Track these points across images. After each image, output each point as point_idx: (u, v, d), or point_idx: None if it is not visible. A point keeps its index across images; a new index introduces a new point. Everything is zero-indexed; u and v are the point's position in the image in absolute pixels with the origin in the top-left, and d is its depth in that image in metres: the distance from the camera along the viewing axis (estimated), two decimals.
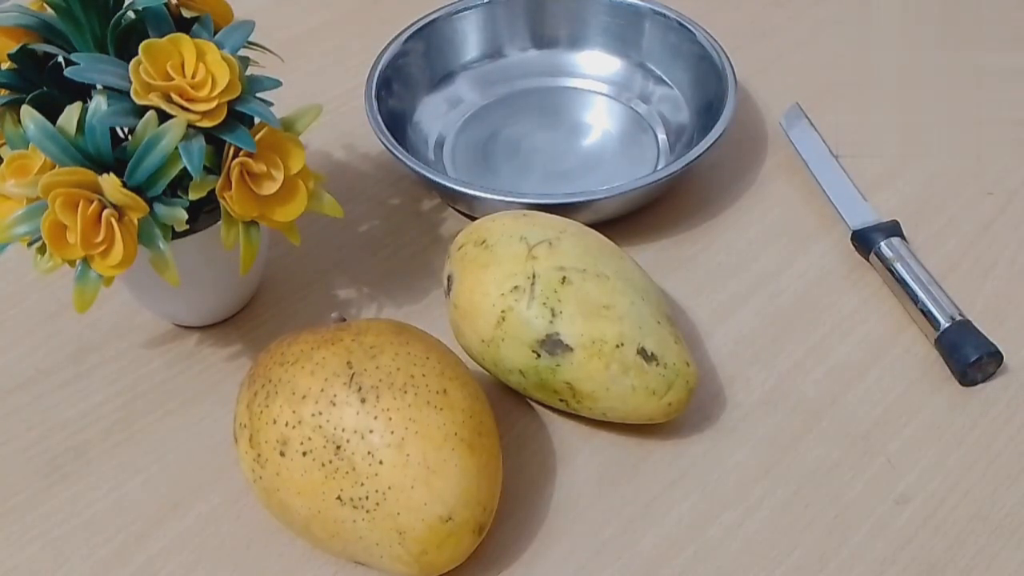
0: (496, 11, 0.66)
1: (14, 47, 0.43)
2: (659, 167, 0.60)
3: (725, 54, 0.60)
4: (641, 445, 0.47)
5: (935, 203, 0.57)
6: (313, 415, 0.39)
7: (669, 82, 0.64)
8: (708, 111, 0.58)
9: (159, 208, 0.42)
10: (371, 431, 0.39)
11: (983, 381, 0.48)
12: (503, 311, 0.44)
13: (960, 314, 0.49)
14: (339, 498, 0.39)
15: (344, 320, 0.44)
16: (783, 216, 0.57)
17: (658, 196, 0.57)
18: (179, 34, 0.42)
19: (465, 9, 0.65)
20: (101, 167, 0.42)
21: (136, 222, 0.41)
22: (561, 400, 0.45)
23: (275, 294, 0.55)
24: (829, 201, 0.56)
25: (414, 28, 0.63)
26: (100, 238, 0.40)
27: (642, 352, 0.44)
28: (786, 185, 0.59)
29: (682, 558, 0.43)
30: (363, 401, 0.39)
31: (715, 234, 0.56)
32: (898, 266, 0.51)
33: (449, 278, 0.48)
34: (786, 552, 0.43)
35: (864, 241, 0.53)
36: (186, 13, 0.45)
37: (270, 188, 0.43)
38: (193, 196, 0.42)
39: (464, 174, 0.61)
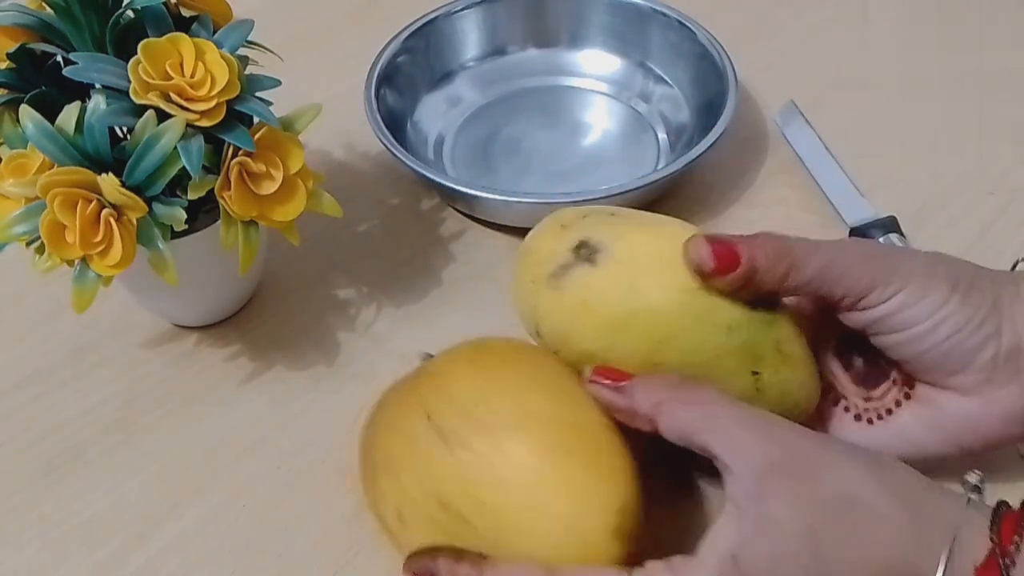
0: (496, 10, 0.66)
1: (13, 46, 0.43)
2: (659, 166, 0.60)
3: (726, 53, 0.60)
4: None
5: (936, 203, 0.57)
6: (413, 481, 0.38)
7: (669, 81, 0.64)
8: (708, 110, 0.58)
9: (158, 208, 0.42)
10: (468, 478, 0.37)
11: None
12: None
13: None
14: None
15: (431, 356, 0.42)
16: (783, 215, 0.57)
17: (658, 195, 0.57)
18: (178, 33, 0.42)
19: (465, 8, 0.65)
20: (100, 167, 0.41)
21: (135, 222, 0.41)
22: (755, 372, 0.40)
23: (274, 294, 0.55)
24: (828, 200, 0.56)
25: (414, 27, 0.63)
26: (99, 238, 0.40)
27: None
28: (786, 184, 0.59)
29: None
30: (451, 450, 0.37)
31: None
32: None
33: (583, 244, 0.40)
34: None
35: (862, 237, 0.53)
36: (185, 12, 0.45)
37: (269, 188, 0.43)
38: (192, 196, 0.42)
39: (464, 174, 0.61)
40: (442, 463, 0.37)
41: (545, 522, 0.36)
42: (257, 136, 0.42)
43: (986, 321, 0.38)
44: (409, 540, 0.38)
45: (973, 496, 0.36)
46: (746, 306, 0.40)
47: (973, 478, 0.39)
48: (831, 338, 0.44)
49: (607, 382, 0.39)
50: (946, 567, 0.33)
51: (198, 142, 0.41)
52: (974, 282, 0.39)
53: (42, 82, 0.44)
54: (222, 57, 0.42)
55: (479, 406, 0.38)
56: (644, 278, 0.39)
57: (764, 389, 0.41)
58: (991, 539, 0.34)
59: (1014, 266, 0.44)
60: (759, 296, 0.40)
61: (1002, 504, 0.35)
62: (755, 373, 0.40)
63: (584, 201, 0.53)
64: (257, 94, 0.43)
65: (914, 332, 0.39)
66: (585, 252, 0.40)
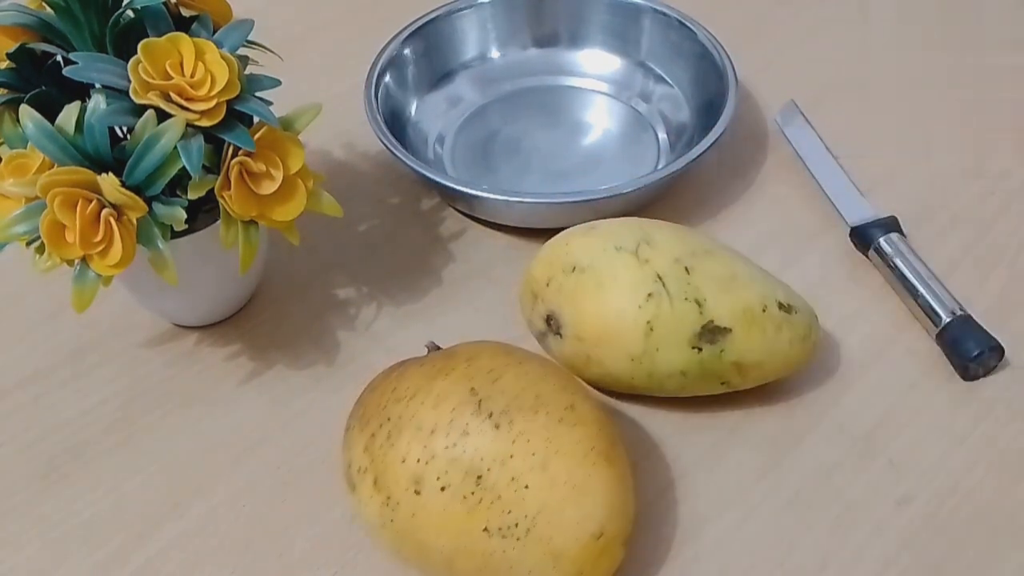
0: (496, 10, 0.66)
1: (13, 46, 0.43)
2: (659, 166, 0.60)
3: (726, 53, 0.60)
4: (632, 443, 0.47)
5: (936, 203, 0.57)
6: (447, 448, 0.38)
7: (669, 81, 0.64)
8: (708, 110, 0.58)
9: (158, 207, 0.42)
10: (511, 456, 0.37)
11: (984, 376, 0.48)
12: (649, 321, 0.43)
13: (961, 309, 0.49)
14: (486, 530, 0.37)
15: (438, 348, 0.43)
16: (784, 215, 0.57)
17: (658, 195, 0.57)
18: (178, 33, 0.42)
19: (465, 8, 0.65)
20: (100, 166, 0.41)
21: (135, 222, 0.41)
22: (723, 383, 0.45)
23: (274, 294, 0.55)
24: (828, 199, 0.56)
25: (414, 27, 0.63)
26: (99, 238, 0.40)
27: (781, 306, 0.45)
28: (787, 184, 0.59)
29: (681, 558, 0.43)
30: (497, 427, 0.38)
31: (716, 233, 0.56)
32: (897, 261, 0.51)
33: (550, 317, 0.46)
34: (787, 552, 0.43)
35: (862, 237, 0.53)
36: (185, 12, 0.45)
37: (269, 187, 0.43)
38: (192, 195, 0.42)
39: (464, 173, 0.61)
40: (487, 437, 0.38)
41: (579, 520, 0.38)
42: (257, 136, 0.42)
43: None
44: (415, 511, 0.38)
45: None
46: (693, 351, 0.44)
47: None
48: None
49: None
50: None
51: (198, 142, 0.41)
52: None
53: (42, 82, 0.44)
54: (222, 57, 0.42)
55: (527, 394, 0.39)
56: (596, 350, 0.45)
57: (740, 384, 0.46)
58: None
59: None
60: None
61: None
62: (723, 383, 0.46)
63: (584, 201, 0.53)
64: (257, 94, 0.43)
65: None
66: (554, 324, 0.46)
